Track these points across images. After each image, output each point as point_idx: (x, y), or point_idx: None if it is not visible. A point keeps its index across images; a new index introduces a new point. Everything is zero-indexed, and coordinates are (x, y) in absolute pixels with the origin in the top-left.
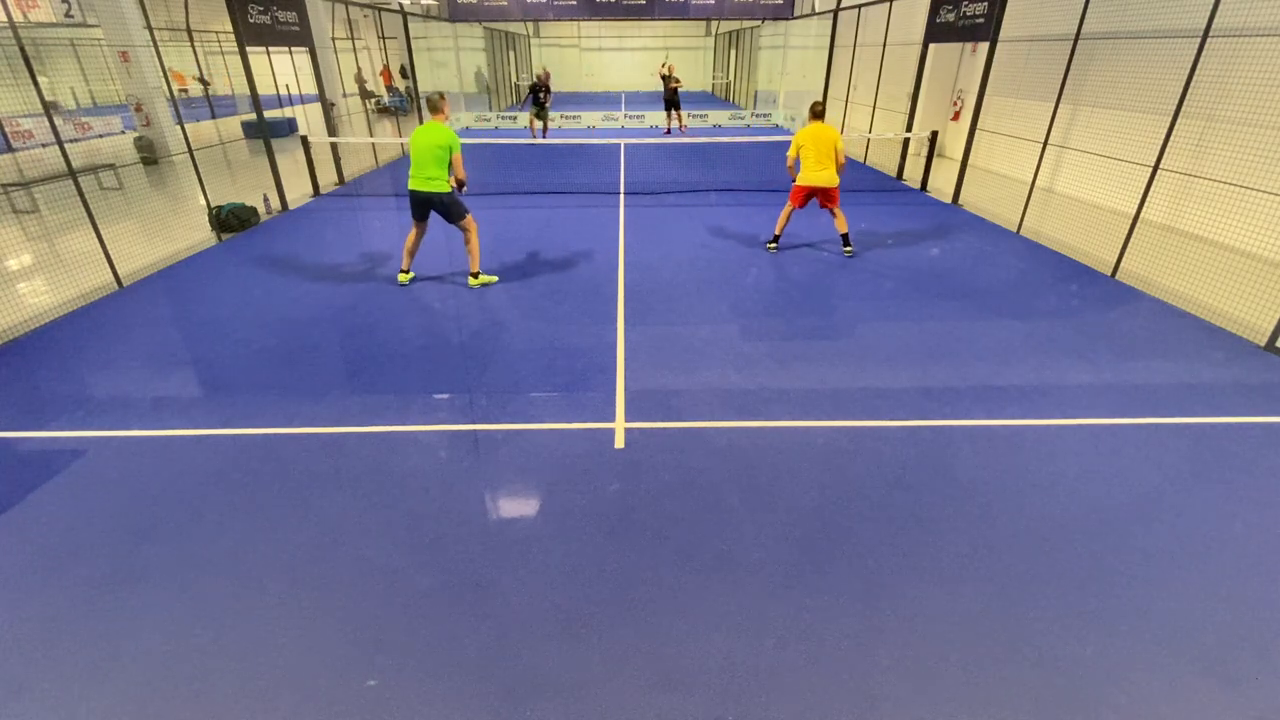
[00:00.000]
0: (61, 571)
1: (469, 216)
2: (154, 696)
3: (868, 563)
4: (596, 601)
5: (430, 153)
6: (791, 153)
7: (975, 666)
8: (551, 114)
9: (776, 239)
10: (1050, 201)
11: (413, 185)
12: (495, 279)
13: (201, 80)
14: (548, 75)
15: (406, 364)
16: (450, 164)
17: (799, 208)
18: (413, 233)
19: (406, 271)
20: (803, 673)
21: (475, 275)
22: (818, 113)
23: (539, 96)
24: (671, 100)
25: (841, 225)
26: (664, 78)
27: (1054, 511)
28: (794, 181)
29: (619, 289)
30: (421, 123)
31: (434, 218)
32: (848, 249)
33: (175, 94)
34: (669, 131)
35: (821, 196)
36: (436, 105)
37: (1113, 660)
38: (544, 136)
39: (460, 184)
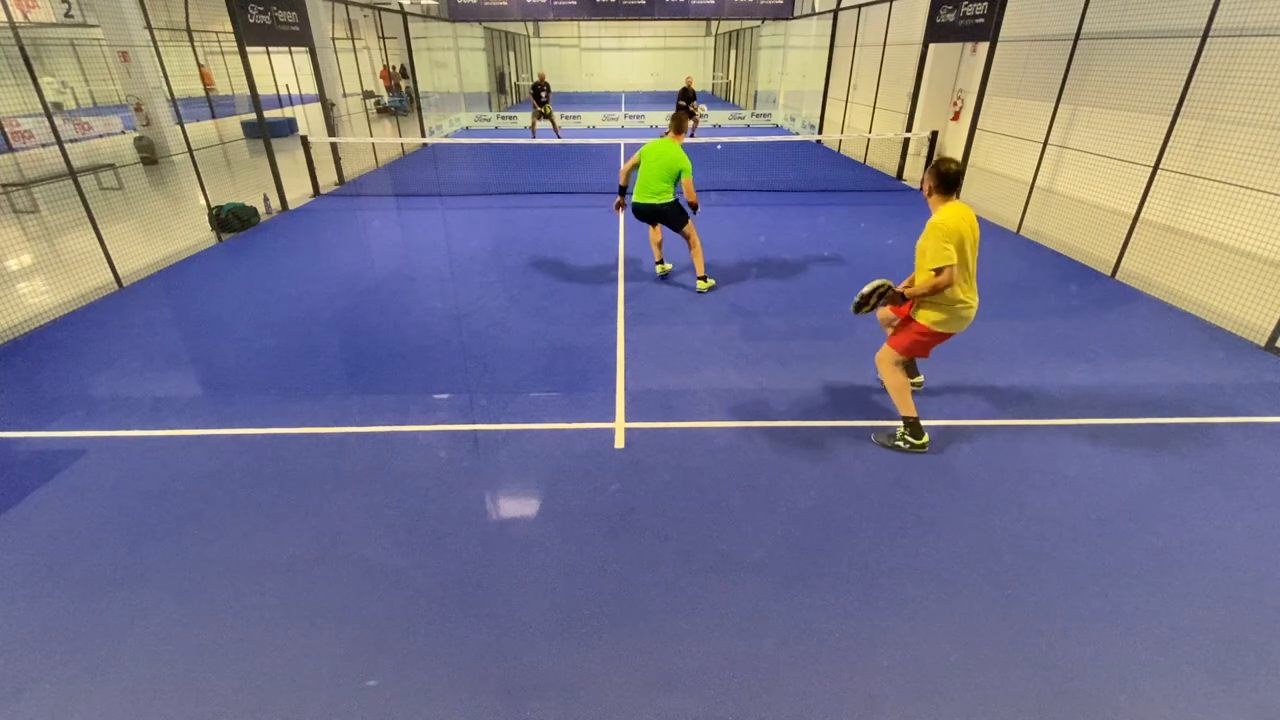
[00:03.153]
0: (61, 571)
1: (690, 224)
2: (154, 696)
3: (868, 563)
4: (596, 601)
5: (664, 170)
6: (938, 257)
7: (975, 666)
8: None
9: (915, 424)
10: (1050, 201)
11: (639, 199)
12: (714, 283)
13: (202, 81)
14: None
15: (406, 364)
16: (679, 184)
17: (913, 360)
18: (651, 233)
19: (661, 262)
20: (803, 673)
21: (703, 279)
22: (949, 177)
23: (541, 95)
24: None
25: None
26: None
27: (1054, 511)
28: (913, 317)
29: (619, 289)
30: (550, 130)
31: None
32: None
33: (206, 92)
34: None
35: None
36: (681, 125)
37: (1113, 660)
38: (558, 135)
39: (694, 207)
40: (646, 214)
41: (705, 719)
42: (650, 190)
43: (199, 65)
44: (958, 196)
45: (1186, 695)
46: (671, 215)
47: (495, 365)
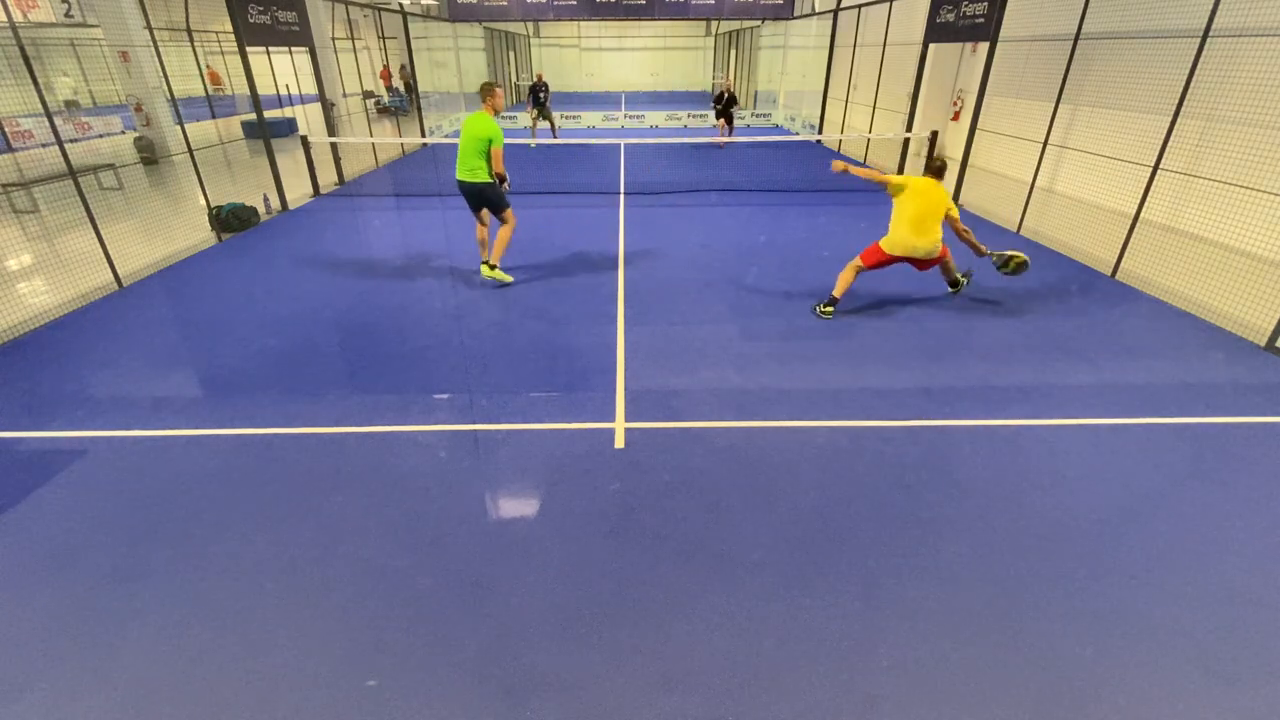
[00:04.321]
0: (61, 571)
1: (509, 211)
2: (154, 696)
3: (868, 563)
4: (596, 601)
5: (472, 144)
6: (892, 181)
7: (975, 666)
8: (552, 114)
9: (834, 302)
10: (1050, 201)
11: (458, 175)
12: (510, 280)
13: (203, 80)
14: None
15: (406, 364)
16: (489, 156)
17: (870, 269)
18: (478, 225)
19: (486, 262)
20: (803, 673)
21: (492, 267)
22: (936, 169)
23: (539, 96)
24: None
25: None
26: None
27: (1054, 512)
28: (879, 241)
29: (619, 289)
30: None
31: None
32: (959, 283)
33: (206, 92)
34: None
35: (916, 265)
36: (484, 95)
37: (1113, 660)
38: (555, 136)
39: (500, 178)
40: (466, 193)
41: (705, 719)
42: (465, 167)
43: (208, 68)
44: (939, 178)
45: (1186, 695)
46: (490, 196)
47: (495, 365)
